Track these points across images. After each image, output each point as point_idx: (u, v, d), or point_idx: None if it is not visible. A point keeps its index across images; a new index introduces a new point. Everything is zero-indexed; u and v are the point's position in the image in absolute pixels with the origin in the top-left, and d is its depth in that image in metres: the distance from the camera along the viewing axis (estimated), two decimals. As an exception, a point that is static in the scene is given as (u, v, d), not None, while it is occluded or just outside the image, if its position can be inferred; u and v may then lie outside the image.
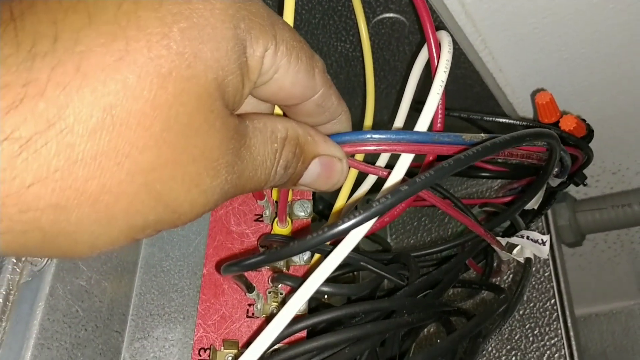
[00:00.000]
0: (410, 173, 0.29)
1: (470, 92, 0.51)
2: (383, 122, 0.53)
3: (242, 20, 0.21)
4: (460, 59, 0.46)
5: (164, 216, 0.20)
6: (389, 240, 0.60)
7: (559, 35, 0.46)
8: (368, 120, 0.41)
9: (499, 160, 0.51)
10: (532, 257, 0.34)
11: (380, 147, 0.27)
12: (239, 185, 0.22)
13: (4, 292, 0.32)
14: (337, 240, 0.32)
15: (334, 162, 0.26)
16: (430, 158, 0.33)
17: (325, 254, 0.28)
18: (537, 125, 0.37)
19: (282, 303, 0.33)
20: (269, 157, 0.23)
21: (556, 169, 0.38)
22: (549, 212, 0.53)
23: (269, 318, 0.33)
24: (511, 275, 0.47)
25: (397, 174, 0.28)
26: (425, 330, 0.45)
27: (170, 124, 0.19)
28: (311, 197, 0.36)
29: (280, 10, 0.31)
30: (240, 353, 0.32)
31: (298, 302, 0.26)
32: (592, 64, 0.48)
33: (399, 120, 0.38)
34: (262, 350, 0.26)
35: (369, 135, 0.26)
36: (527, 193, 0.33)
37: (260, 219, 0.36)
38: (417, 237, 0.60)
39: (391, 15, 0.44)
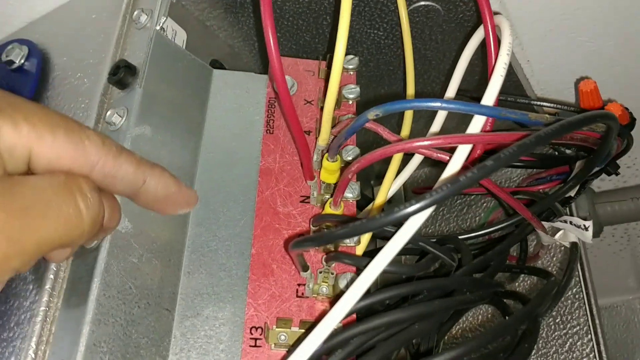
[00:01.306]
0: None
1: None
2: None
3: None
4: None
5: None
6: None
7: (588, 27, 0.46)
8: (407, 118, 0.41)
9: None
10: (578, 241, 0.34)
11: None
12: (32, 227, 0.23)
13: (54, 269, 0.32)
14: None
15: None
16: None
17: (387, 235, 0.28)
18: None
19: (334, 283, 0.33)
20: (61, 193, 0.24)
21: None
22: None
23: (322, 298, 0.33)
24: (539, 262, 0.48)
25: (463, 152, 0.28)
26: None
27: None
28: (355, 179, 0.36)
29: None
30: (292, 332, 0.32)
31: (367, 279, 0.26)
32: (617, 57, 0.49)
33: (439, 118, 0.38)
34: (332, 326, 0.26)
35: (439, 103, 0.26)
36: (575, 177, 0.34)
37: (306, 200, 0.36)
38: (435, 228, 0.60)
39: (428, 3, 0.45)
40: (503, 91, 0.50)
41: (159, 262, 0.33)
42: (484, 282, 0.30)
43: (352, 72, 0.41)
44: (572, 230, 0.35)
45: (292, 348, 0.28)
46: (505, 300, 0.33)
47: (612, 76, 0.49)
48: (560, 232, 0.36)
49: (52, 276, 0.32)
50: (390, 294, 0.27)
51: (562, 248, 0.52)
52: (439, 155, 0.31)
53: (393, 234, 0.26)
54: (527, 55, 0.49)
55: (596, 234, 0.57)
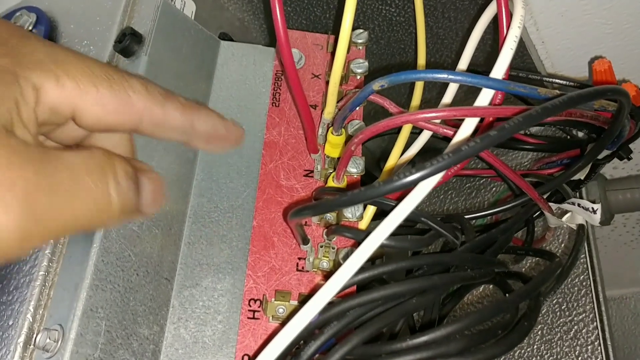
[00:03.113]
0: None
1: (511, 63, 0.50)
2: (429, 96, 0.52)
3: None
4: (505, 28, 0.46)
5: None
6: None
7: (604, 8, 0.45)
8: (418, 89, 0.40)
9: (529, 132, 0.51)
10: (585, 223, 0.33)
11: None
12: (56, 204, 0.21)
13: (54, 234, 0.32)
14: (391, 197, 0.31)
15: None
16: (491, 119, 0.32)
17: (387, 208, 0.28)
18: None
19: (335, 258, 0.33)
20: (95, 172, 0.23)
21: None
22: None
23: (322, 272, 0.33)
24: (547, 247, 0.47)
25: (469, 124, 0.27)
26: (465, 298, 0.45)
27: None
28: (360, 154, 0.36)
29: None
30: (291, 305, 0.32)
31: (364, 253, 0.26)
32: (634, 39, 0.48)
33: (451, 90, 0.37)
34: (327, 299, 0.26)
35: (445, 75, 0.26)
36: (585, 157, 0.33)
37: (310, 175, 0.36)
38: (444, 211, 0.60)
39: (441, -21, 0.44)
40: (516, 68, 0.50)
41: (160, 231, 0.33)
42: (486, 260, 0.29)
43: (361, 47, 0.40)
44: (579, 212, 0.34)
45: (286, 320, 0.28)
46: (509, 280, 0.32)
47: (627, 59, 0.48)
48: (568, 214, 0.36)
49: (52, 241, 0.32)
50: (389, 268, 0.27)
51: (569, 234, 0.51)
52: (444, 130, 0.31)
53: (393, 207, 0.26)
54: (542, 36, 0.48)
55: (606, 221, 0.56)
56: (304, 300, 0.32)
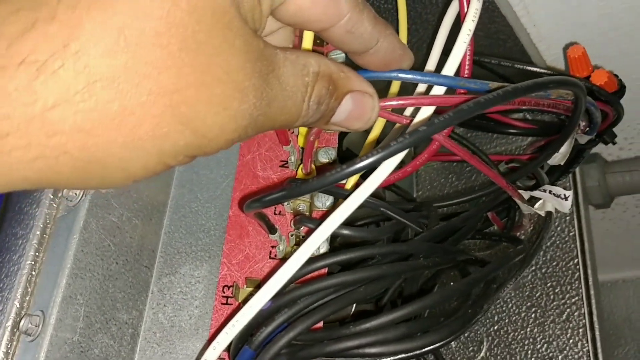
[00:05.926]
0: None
1: (503, 47, 0.50)
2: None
3: None
4: (493, 13, 0.45)
5: (193, 141, 0.20)
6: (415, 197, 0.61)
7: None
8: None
9: (528, 117, 0.51)
10: (553, 210, 0.34)
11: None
12: (269, 115, 0.22)
13: (41, 225, 0.34)
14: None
15: (366, 99, 0.25)
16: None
17: (344, 198, 0.29)
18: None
19: (304, 246, 0.34)
20: (300, 89, 0.23)
21: (583, 124, 0.37)
22: (578, 172, 0.53)
23: (291, 259, 0.34)
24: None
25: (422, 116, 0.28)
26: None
27: (188, 43, 0.19)
28: (336, 145, 0.37)
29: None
30: (261, 291, 0.33)
31: (314, 242, 0.27)
32: (633, 20, 0.47)
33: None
34: (277, 288, 0.27)
35: (395, 74, 0.26)
36: (550, 146, 0.33)
37: (286, 165, 0.37)
38: (444, 194, 0.60)
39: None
40: (506, 56, 0.50)
41: (140, 221, 0.35)
42: (444, 249, 0.30)
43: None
44: (550, 199, 0.35)
45: (240, 305, 0.29)
46: (474, 267, 0.33)
47: (628, 40, 0.47)
48: (540, 202, 0.36)
49: (38, 232, 0.34)
50: (340, 258, 0.28)
51: (567, 218, 0.51)
52: (405, 121, 0.31)
53: (347, 196, 0.27)
54: (533, 19, 0.47)
55: (606, 204, 0.56)
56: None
